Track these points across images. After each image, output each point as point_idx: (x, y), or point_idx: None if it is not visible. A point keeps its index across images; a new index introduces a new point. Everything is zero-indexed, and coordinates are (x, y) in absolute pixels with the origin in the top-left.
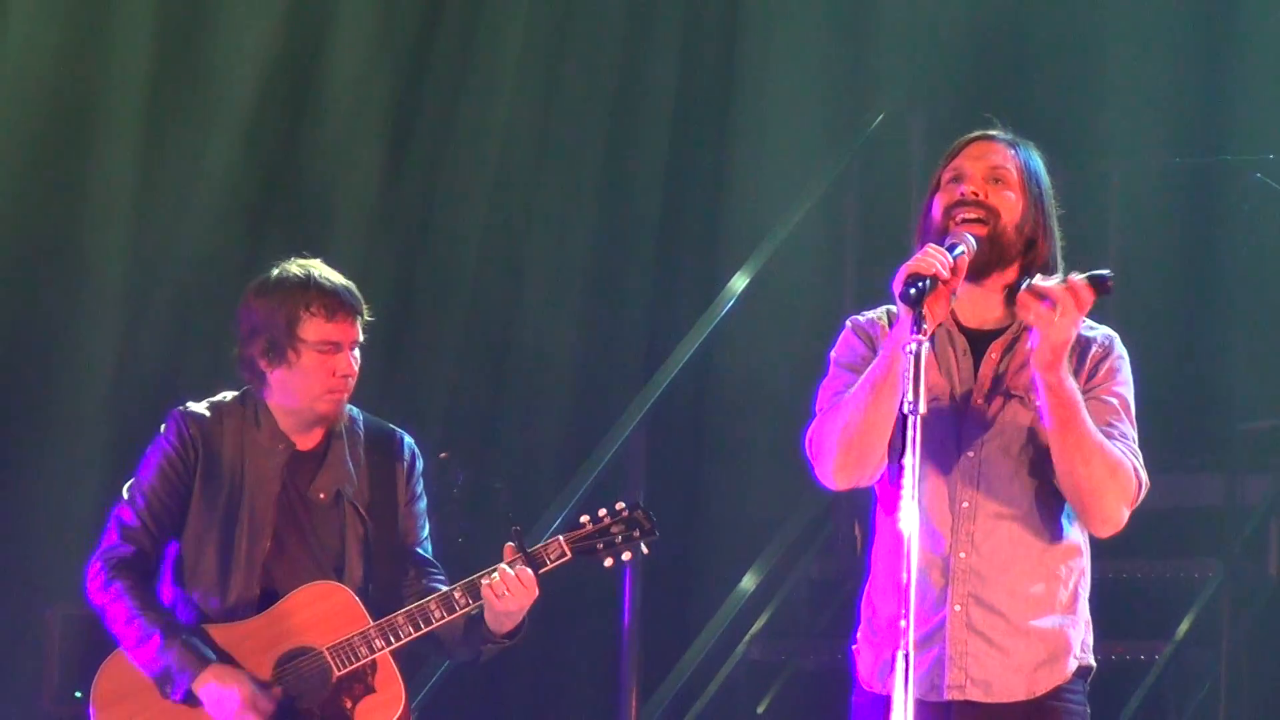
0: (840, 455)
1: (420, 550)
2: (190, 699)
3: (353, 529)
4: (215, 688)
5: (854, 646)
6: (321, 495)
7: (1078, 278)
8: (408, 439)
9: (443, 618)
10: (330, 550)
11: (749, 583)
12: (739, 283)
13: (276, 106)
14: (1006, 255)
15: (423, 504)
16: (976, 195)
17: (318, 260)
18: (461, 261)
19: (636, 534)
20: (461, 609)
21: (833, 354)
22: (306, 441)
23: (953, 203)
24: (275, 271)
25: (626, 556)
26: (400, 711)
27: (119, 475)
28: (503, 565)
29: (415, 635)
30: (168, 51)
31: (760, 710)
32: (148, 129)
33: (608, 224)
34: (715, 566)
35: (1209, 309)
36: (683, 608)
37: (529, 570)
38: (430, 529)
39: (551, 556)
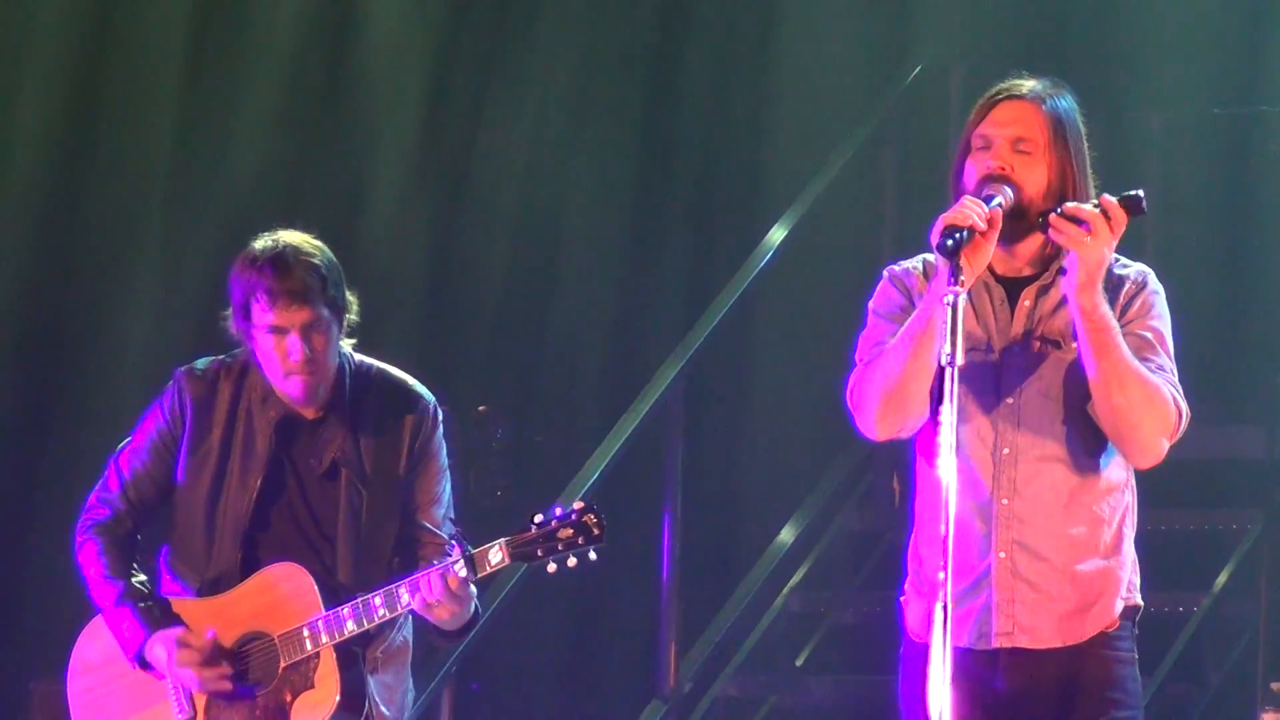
0: (881, 406)
1: (426, 518)
2: (145, 665)
3: (347, 500)
4: (159, 648)
5: (902, 598)
6: (317, 466)
7: (1110, 198)
8: (425, 399)
9: (386, 615)
10: (322, 522)
11: (788, 535)
12: (778, 235)
13: (314, 64)
14: (1033, 225)
15: (435, 466)
16: (1003, 170)
17: (294, 233)
18: (500, 215)
19: (582, 540)
20: (404, 607)
21: (871, 304)
22: (305, 411)
23: (982, 177)
24: (252, 243)
25: (571, 563)
26: (333, 709)
27: None
28: (433, 572)
29: (359, 631)
30: (206, 11)
31: (799, 662)
32: (184, 92)
33: (647, 177)
34: (754, 518)
35: (1249, 259)
36: (722, 560)
37: (458, 575)
38: (448, 490)
39: (492, 561)
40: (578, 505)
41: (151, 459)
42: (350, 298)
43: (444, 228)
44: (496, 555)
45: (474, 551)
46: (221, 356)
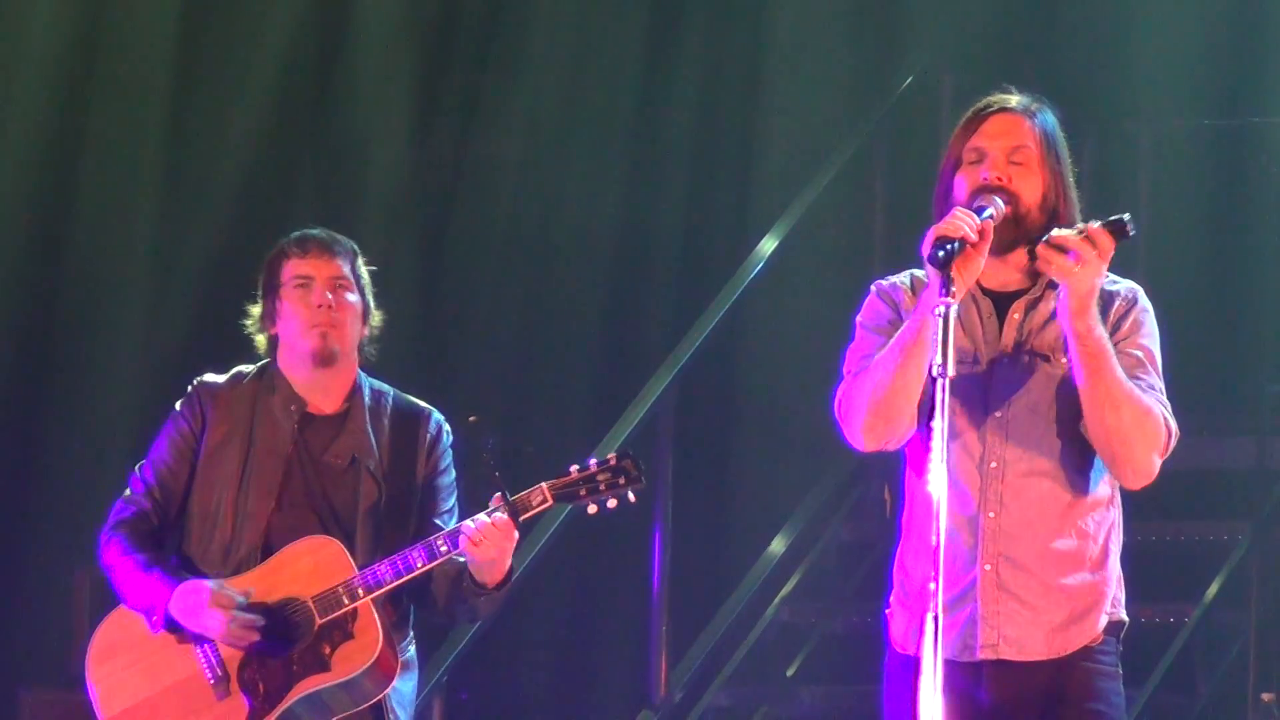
0: (869, 418)
1: (438, 522)
2: (172, 626)
3: (366, 494)
4: (182, 598)
5: (887, 610)
6: (337, 460)
7: (1095, 225)
8: (437, 416)
9: (425, 565)
10: (341, 515)
11: (779, 545)
12: (768, 245)
13: (305, 69)
14: (1030, 234)
15: (447, 479)
16: (1000, 181)
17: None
18: (491, 229)
19: (622, 481)
20: (443, 555)
21: (858, 318)
22: (325, 405)
23: (976, 188)
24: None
25: (611, 504)
26: (375, 655)
27: (144, 443)
28: (481, 514)
29: (397, 582)
30: (194, 17)
31: (790, 673)
32: (175, 95)
33: (637, 187)
34: (745, 529)
35: (1239, 271)
36: (712, 570)
37: (505, 516)
38: (456, 507)
39: (534, 503)
40: (612, 454)
41: (174, 459)
42: (374, 310)
43: (434, 237)
44: (539, 497)
45: (515, 497)
46: (235, 369)
